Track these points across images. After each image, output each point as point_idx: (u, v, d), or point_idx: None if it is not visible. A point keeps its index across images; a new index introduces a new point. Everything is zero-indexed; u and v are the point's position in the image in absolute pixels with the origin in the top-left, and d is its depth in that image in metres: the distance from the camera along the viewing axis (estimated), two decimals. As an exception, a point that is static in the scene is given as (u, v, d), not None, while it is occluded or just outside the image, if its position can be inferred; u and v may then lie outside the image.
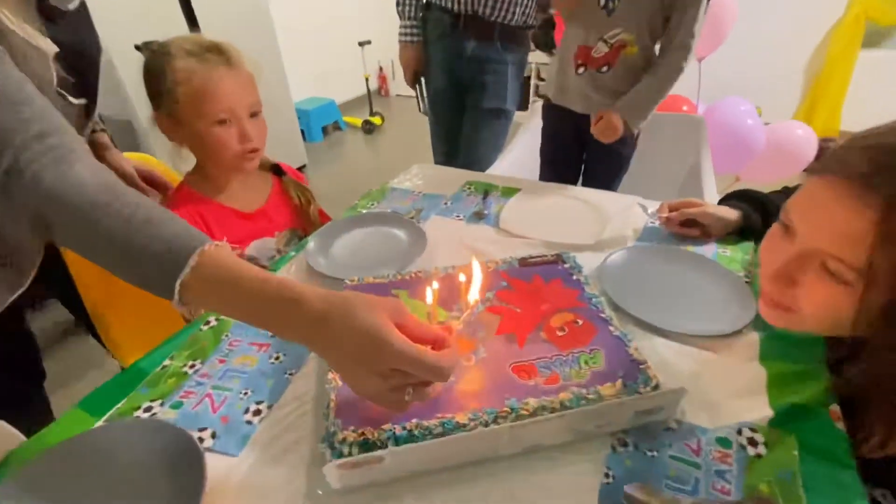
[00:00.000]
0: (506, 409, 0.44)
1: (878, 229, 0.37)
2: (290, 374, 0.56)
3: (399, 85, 4.63)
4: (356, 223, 0.85)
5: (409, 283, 0.62)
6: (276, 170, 0.92)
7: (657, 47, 0.98)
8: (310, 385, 0.55)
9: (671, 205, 0.82)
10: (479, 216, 0.89)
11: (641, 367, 0.48)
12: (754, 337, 0.59)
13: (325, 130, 3.74)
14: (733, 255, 0.76)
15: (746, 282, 0.68)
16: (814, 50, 3.12)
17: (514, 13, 1.32)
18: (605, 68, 1.00)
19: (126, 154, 0.97)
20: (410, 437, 0.42)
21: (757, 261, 0.68)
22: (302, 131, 3.45)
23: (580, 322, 0.55)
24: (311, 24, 3.68)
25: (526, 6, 1.32)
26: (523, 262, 0.66)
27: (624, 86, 1.01)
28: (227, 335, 0.62)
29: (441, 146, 1.67)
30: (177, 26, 1.99)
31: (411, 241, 0.79)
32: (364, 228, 0.84)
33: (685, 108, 1.83)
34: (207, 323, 0.65)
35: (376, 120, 3.76)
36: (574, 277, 0.63)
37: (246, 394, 0.54)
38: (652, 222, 0.84)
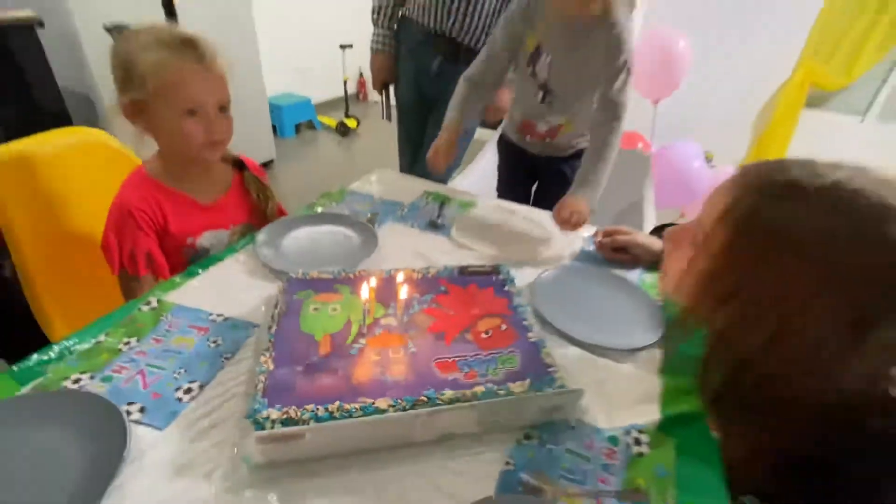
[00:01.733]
0: (423, 397, 0.48)
1: (725, 210, 0.47)
2: (226, 359, 0.58)
3: (378, 91, 4.67)
4: (310, 220, 0.88)
5: (353, 282, 0.66)
6: (238, 164, 0.93)
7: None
8: (243, 370, 0.57)
9: (606, 231, 0.90)
10: (433, 226, 0.94)
11: (550, 370, 0.54)
12: (657, 353, 0.66)
13: (298, 128, 3.72)
14: (654, 281, 0.83)
15: (659, 304, 0.75)
16: (762, 105, 3.40)
17: (479, 39, 1.39)
18: (547, 139, 1.10)
19: (84, 128, 0.97)
20: (331, 418, 0.45)
21: None
22: (274, 126, 3.43)
23: (504, 327, 0.61)
24: (293, 20, 3.68)
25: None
26: (463, 270, 0.71)
27: (566, 148, 1.11)
28: (166, 316, 0.64)
29: (406, 155, 1.72)
30: (153, 9, 1.96)
31: (362, 242, 0.82)
32: (317, 226, 0.86)
33: (640, 144, 1.96)
34: (148, 303, 0.66)
35: (351, 122, 3.77)
36: (506, 288, 0.68)
37: (180, 373, 0.56)
38: (589, 246, 0.92)
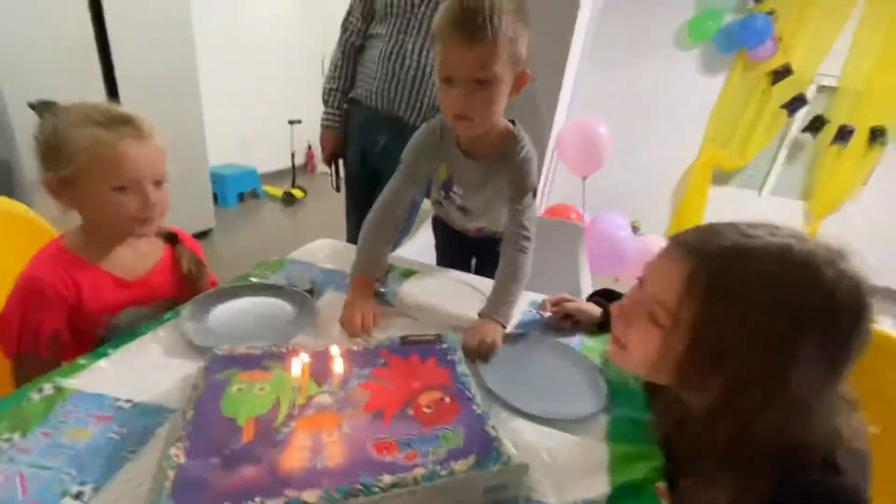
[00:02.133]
0: (358, 485, 0.44)
1: (687, 283, 0.49)
2: (130, 452, 0.51)
3: (326, 163, 4.77)
4: (242, 292, 0.83)
5: (284, 357, 0.61)
6: (171, 237, 0.88)
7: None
8: (149, 464, 0.49)
9: (551, 300, 0.92)
10: (376, 295, 0.91)
11: (495, 443, 0.51)
12: (604, 419, 0.66)
13: (241, 196, 3.66)
14: (594, 345, 0.85)
15: (601, 370, 0.76)
16: (676, 182, 3.83)
17: (426, 118, 1.49)
18: (477, 233, 1.15)
19: (2, 198, 0.89)
20: (250, 519, 0.40)
21: None
22: (216, 195, 3.35)
23: (447, 400, 0.58)
24: (241, 93, 3.77)
25: (438, 112, 1.50)
26: (404, 340, 0.69)
27: (498, 233, 1.11)
28: (62, 403, 0.55)
29: (353, 225, 1.74)
30: (91, 81, 1.93)
31: (298, 314, 0.78)
32: (250, 298, 0.82)
33: (574, 215, 2.11)
34: (40, 391, 0.57)
35: (297, 193, 3.77)
36: (448, 357, 0.67)
37: (69, 474, 0.47)
38: (533, 311, 0.93)
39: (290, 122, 3.78)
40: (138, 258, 0.82)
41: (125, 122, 0.72)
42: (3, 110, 1.81)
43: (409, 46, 1.41)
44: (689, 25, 3.36)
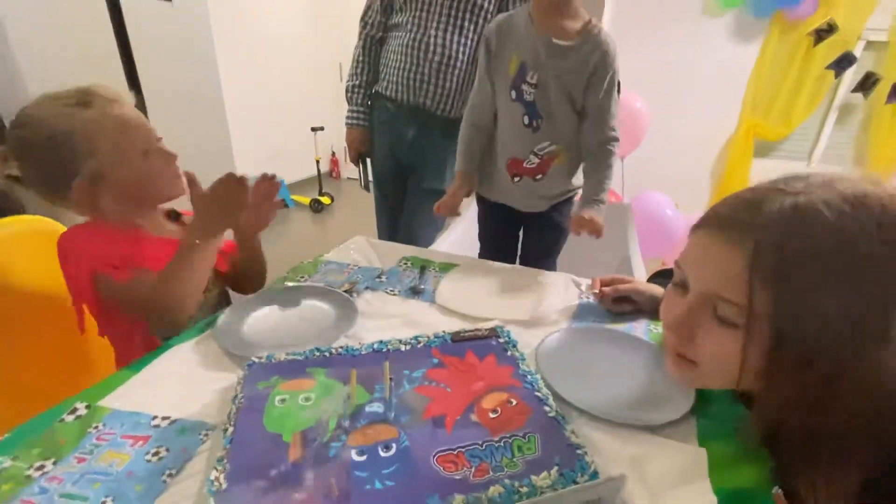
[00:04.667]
0: (426, 510, 0.37)
1: (750, 267, 0.41)
2: (169, 476, 0.46)
3: (350, 168, 4.78)
4: (279, 297, 0.78)
5: (328, 361, 0.56)
6: (176, 215, 0.87)
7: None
8: (192, 489, 0.44)
9: (603, 280, 0.83)
10: (415, 291, 0.85)
11: (579, 452, 0.44)
12: (692, 418, 0.57)
13: (270, 208, 3.69)
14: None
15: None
16: (715, 157, 3.62)
17: (452, 106, 1.42)
18: (539, 176, 1.05)
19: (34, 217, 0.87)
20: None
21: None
22: (245, 208, 3.40)
23: (514, 402, 0.51)
24: (264, 106, 3.80)
25: (464, 101, 1.43)
26: (456, 336, 0.62)
27: (558, 187, 1.08)
28: (97, 426, 0.51)
29: (385, 224, 1.71)
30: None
31: (339, 315, 0.73)
32: (288, 303, 0.77)
33: (612, 199, 2.00)
34: (73, 411, 0.53)
35: (325, 199, 3.78)
36: (508, 353, 0.59)
37: (104, 503, 0.43)
38: (587, 297, 0.85)
39: (313, 130, 3.80)
40: (161, 228, 0.82)
41: (98, 94, 0.70)
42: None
43: (433, 33, 1.35)
44: (719, -10, 3.16)
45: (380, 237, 1.78)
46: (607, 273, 0.92)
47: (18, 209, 1.39)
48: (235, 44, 3.40)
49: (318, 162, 3.88)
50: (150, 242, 0.77)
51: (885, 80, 3.09)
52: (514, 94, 0.98)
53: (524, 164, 1.05)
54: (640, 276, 1.21)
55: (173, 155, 0.76)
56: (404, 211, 1.60)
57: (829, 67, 3.13)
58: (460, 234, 1.35)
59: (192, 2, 2.38)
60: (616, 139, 0.97)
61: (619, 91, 0.94)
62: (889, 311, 0.38)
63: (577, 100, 0.96)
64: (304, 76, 4.22)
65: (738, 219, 0.44)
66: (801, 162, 3.51)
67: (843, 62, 3.11)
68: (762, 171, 3.27)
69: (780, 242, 0.40)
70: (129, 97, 0.75)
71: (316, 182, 3.91)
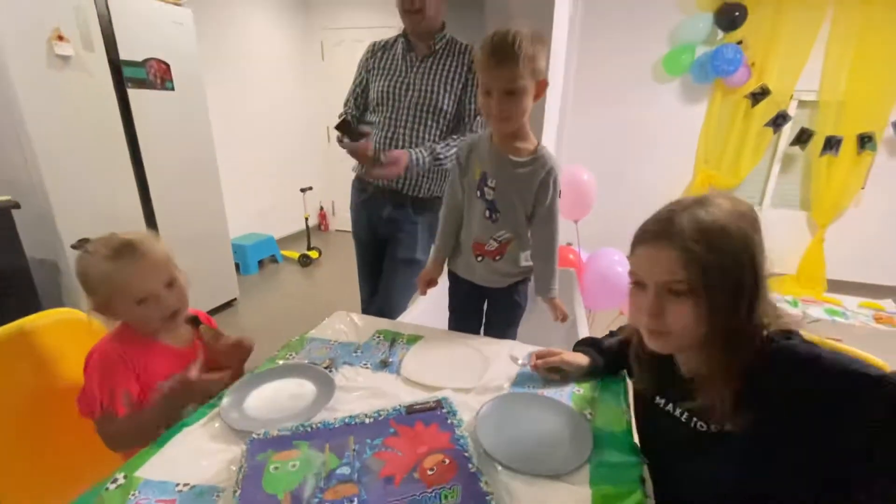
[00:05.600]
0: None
1: (684, 256, 0.63)
2: (192, 530, 0.62)
3: (338, 221, 5.03)
4: (271, 375, 0.96)
5: (310, 435, 0.74)
6: (195, 321, 1.04)
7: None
8: (210, 539, 0.61)
9: (538, 353, 1.03)
10: (384, 364, 1.04)
11: (487, 497, 0.62)
12: (588, 465, 0.75)
13: (261, 263, 3.88)
14: (584, 394, 0.95)
15: (589, 419, 0.86)
16: (676, 204, 3.92)
17: (423, 188, 1.66)
18: (497, 257, 1.29)
19: (50, 312, 1.05)
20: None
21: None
22: (238, 264, 3.58)
23: (447, 461, 0.69)
24: (255, 172, 4.09)
25: (433, 182, 1.67)
26: (409, 409, 0.81)
27: (514, 267, 1.31)
28: (134, 494, 0.68)
29: (365, 288, 1.91)
30: (124, 179, 2.16)
31: (320, 391, 0.91)
32: (279, 380, 0.95)
33: (571, 255, 2.23)
34: (115, 481, 0.70)
35: (313, 254, 3.98)
36: (448, 421, 0.78)
37: (146, 554, 0.59)
38: (524, 366, 1.04)
39: (302, 190, 4.04)
40: (179, 339, 1.00)
41: (127, 248, 0.89)
42: (49, 210, 2.05)
43: (402, 131, 1.60)
44: (664, 61, 3.56)
45: (361, 297, 1.98)
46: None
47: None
48: (229, 118, 3.70)
49: (306, 219, 4.11)
50: (159, 352, 0.95)
51: (818, 134, 3.45)
52: (478, 193, 1.23)
53: (485, 247, 1.28)
54: (584, 333, 1.41)
55: (167, 306, 0.92)
56: (383, 276, 1.80)
57: (767, 125, 3.50)
58: (429, 301, 1.54)
59: (190, 88, 2.65)
60: (555, 236, 1.23)
61: (559, 195, 1.20)
62: (757, 265, 0.63)
63: (527, 203, 1.20)
64: (293, 141, 4.53)
65: (665, 230, 0.66)
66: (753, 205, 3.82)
67: (779, 120, 3.48)
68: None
69: (693, 237, 0.63)
70: (159, 250, 0.93)
71: (304, 236, 4.13)
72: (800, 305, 3.38)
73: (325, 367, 1.00)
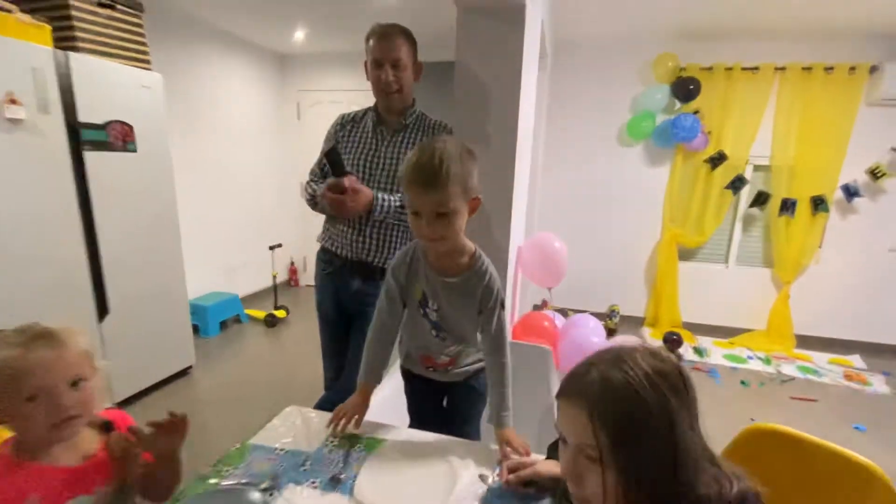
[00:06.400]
0: None
1: (590, 419, 0.57)
2: None
3: (309, 276, 4.88)
4: (200, 501, 0.82)
5: None
6: (107, 426, 0.87)
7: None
8: None
9: (509, 466, 0.93)
10: (335, 481, 0.91)
11: None
12: None
13: (224, 324, 3.67)
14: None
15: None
16: (646, 262, 3.99)
17: (391, 256, 1.59)
18: (449, 367, 1.21)
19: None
20: None
21: None
22: (197, 326, 3.36)
23: None
24: (221, 228, 3.95)
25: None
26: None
27: (468, 368, 1.22)
28: None
29: (330, 368, 1.79)
30: (72, 231, 2.01)
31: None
32: (208, 511, 0.81)
33: (546, 322, 2.17)
34: None
35: (280, 313, 3.80)
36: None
37: None
38: (494, 483, 0.93)
39: (271, 248, 3.93)
40: (74, 450, 0.81)
41: (42, 337, 0.74)
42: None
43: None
44: (627, 127, 3.73)
45: (325, 375, 1.84)
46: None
47: None
48: (198, 176, 3.62)
49: (274, 277, 3.96)
50: (35, 476, 0.76)
51: (774, 196, 3.62)
52: (422, 311, 1.14)
53: (436, 361, 1.21)
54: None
55: (62, 408, 0.75)
56: (350, 353, 1.68)
57: (727, 188, 3.66)
58: (393, 384, 1.43)
59: (154, 149, 2.59)
60: (505, 347, 1.10)
61: (503, 306, 1.10)
62: (677, 434, 0.56)
63: (473, 314, 1.11)
64: (265, 199, 4.46)
65: (575, 389, 0.61)
66: (720, 264, 3.92)
67: (737, 183, 3.65)
68: (689, 272, 3.67)
69: (602, 398, 0.57)
70: (81, 343, 0.78)
71: (272, 294, 3.96)
72: (773, 363, 3.40)
73: (266, 489, 0.87)
